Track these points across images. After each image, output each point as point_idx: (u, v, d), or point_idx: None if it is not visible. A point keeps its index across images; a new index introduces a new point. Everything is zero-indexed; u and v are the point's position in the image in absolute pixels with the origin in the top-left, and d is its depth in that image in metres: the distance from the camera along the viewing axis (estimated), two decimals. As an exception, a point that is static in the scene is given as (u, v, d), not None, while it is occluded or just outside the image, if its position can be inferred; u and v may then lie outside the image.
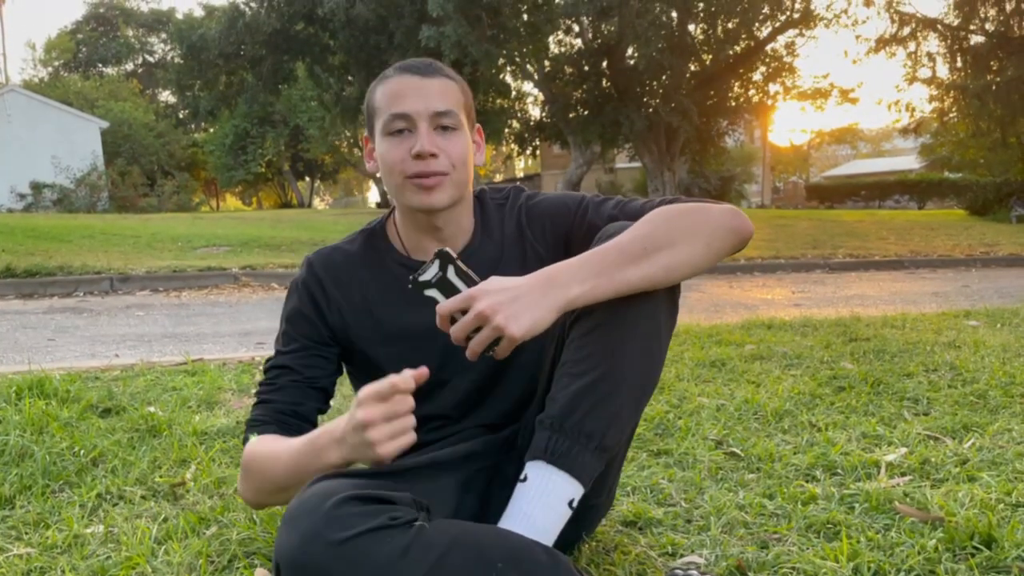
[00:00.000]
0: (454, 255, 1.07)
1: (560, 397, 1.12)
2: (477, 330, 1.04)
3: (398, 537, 0.93)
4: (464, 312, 1.04)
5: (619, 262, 1.11)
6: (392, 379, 1.02)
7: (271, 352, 1.38)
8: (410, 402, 1.03)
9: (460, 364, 1.30)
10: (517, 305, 1.04)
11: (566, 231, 1.32)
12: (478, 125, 1.36)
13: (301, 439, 1.16)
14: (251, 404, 1.40)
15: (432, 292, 1.07)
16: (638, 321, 1.14)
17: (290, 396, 1.30)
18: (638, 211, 1.26)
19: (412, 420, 1.03)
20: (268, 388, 1.32)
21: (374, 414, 1.01)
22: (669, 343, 1.22)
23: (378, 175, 1.32)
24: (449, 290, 1.07)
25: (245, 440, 1.29)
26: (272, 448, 1.22)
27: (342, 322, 1.32)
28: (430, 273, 1.07)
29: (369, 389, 1.02)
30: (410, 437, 1.03)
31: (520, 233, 1.35)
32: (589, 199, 1.35)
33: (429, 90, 1.23)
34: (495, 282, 1.06)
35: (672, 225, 1.16)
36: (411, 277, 1.09)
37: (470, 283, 1.07)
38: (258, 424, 1.29)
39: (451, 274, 1.07)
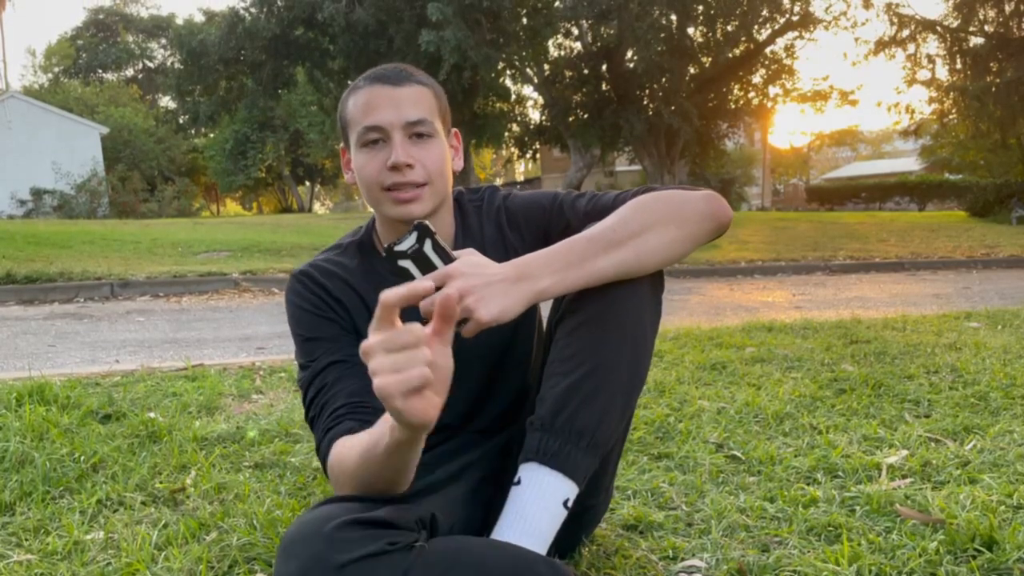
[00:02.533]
0: (433, 229, 1.05)
1: (548, 397, 1.12)
2: None
3: (398, 562, 0.92)
4: (438, 289, 1.03)
5: (589, 251, 1.11)
6: (383, 295, 0.87)
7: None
8: (415, 332, 0.85)
9: (458, 373, 1.30)
10: (489, 290, 1.03)
11: (543, 230, 1.32)
12: (455, 130, 1.34)
13: None
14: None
15: (406, 263, 1.05)
16: (622, 316, 1.14)
17: (351, 383, 1.18)
18: (610, 204, 1.26)
19: (420, 354, 0.85)
20: (320, 392, 1.20)
21: (369, 342, 0.87)
22: (655, 337, 1.21)
23: (355, 185, 1.30)
24: (424, 264, 1.05)
25: (324, 462, 1.15)
26: (347, 447, 1.09)
27: (350, 320, 1.27)
28: (407, 244, 1.04)
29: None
30: (419, 371, 0.84)
31: (500, 234, 1.34)
32: (563, 196, 1.34)
33: (401, 99, 1.21)
34: (470, 263, 1.06)
35: (642, 212, 1.16)
36: (386, 245, 1.05)
37: (446, 260, 1.05)
38: (332, 427, 1.14)
39: (428, 248, 1.05)
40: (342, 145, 1.32)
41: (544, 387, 1.14)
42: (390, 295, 0.87)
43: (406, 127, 1.21)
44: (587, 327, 1.13)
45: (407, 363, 0.85)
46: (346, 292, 1.28)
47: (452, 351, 1.28)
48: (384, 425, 0.97)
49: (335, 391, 1.19)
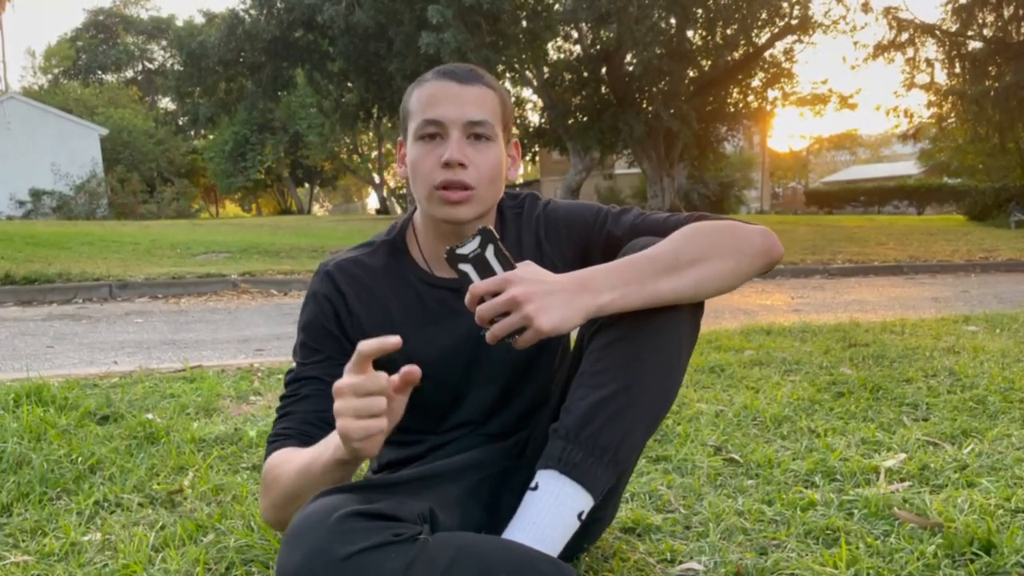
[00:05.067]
0: (496, 235, 1.05)
1: (576, 408, 1.10)
2: (503, 315, 1.03)
3: (401, 553, 0.92)
4: (495, 295, 1.03)
5: (651, 273, 1.10)
6: (361, 345, 0.97)
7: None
8: (380, 381, 0.97)
9: (477, 382, 1.30)
10: (550, 299, 1.03)
11: (584, 242, 1.31)
12: (515, 140, 1.32)
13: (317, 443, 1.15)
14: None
15: (466, 267, 1.05)
16: (660, 336, 1.13)
17: (314, 404, 1.25)
18: (660, 224, 1.25)
19: (381, 402, 0.97)
20: (290, 400, 1.27)
21: (342, 383, 0.98)
22: (689, 360, 1.21)
23: (407, 178, 1.29)
24: (484, 268, 1.05)
25: (266, 457, 1.25)
26: (286, 455, 1.19)
27: (359, 331, 1.27)
28: (469, 248, 1.05)
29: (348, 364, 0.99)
30: (377, 422, 0.97)
31: (538, 244, 1.33)
32: (607, 210, 1.33)
33: (465, 98, 1.20)
34: (531, 271, 1.05)
35: (704, 240, 1.15)
36: (448, 248, 1.06)
37: (507, 266, 1.05)
38: (279, 439, 1.24)
39: (489, 253, 1.05)
40: (400, 138, 1.30)
41: (572, 397, 1.13)
42: (365, 346, 0.96)
43: (466, 126, 1.19)
44: (623, 343, 1.12)
45: (368, 409, 0.96)
46: (364, 299, 1.28)
47: (480, 353, 1.28)
48: (327, 444, 1.08)
49: (300, 407, 1.26)
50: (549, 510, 1.06)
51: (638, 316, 1.12)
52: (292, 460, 1.16)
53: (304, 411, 1.25)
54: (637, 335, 1.12)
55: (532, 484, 1.09)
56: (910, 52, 17.27)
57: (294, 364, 1.31)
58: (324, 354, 1.27)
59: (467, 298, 1.05)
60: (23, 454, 1.91)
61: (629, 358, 1.11)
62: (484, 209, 1.24)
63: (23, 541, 1.49)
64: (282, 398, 1.29)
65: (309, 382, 1.26)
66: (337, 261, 1.32)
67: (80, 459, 1.91)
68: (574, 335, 1.23)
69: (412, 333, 1.26)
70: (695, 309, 1.18)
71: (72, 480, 1.80)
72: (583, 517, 1.08)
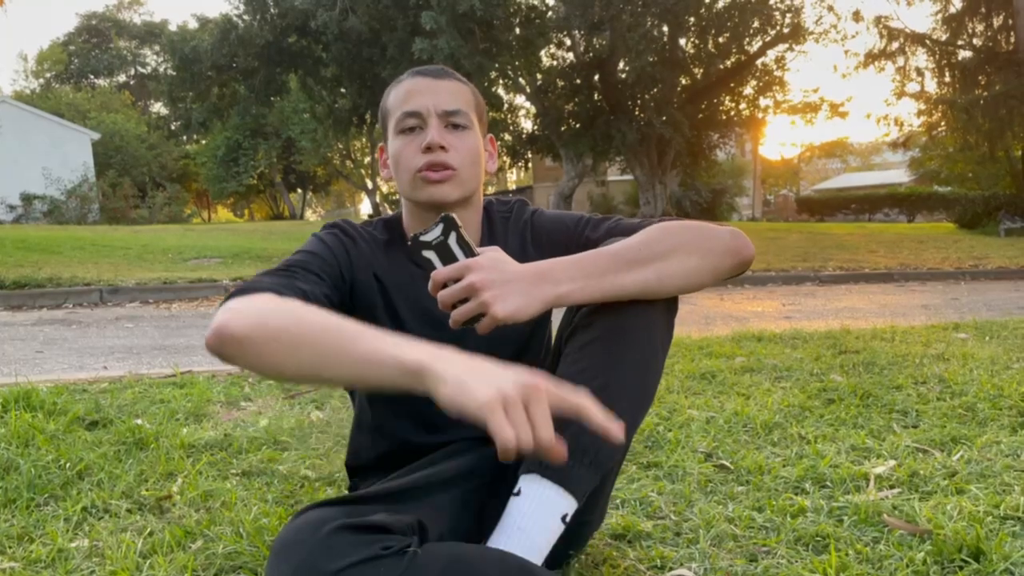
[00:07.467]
0: (459, 223, 1.07)
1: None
2: (465, 300, 1.05)
3: (391, 566, 0.92)
4: (457, 280, 1.05)
5: (612, 265, 1.12)
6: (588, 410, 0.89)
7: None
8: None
9: None
10: (507, 288, 1.04)
11: (564, 248, 1.32)
12: (491, 135, 1.37)
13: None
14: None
15: (430, 254, 1.07)
16: (635, 336, 1.14)
17: (308, 282, 1.16)
18: (634, 228, 1.27)
19: (547, 432, 0.84)
20: (277, 270, 1.16)
21: (538, 386, 0.86)
22: (665, 360, 1.22)
23: (391, 181, 1.33)
24: (446, 255, 1.07)
25: (234, 295, 1.09)
26: (326, 314, 1.00)
27: (352, 280, 1.28)
28: (432, 235, 1.07)
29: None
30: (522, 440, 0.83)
31: (523, 249, 1.35)
32: (588, 217, 1.36)
33: (440, 89, 1.26)
34: (491, 259, 1.07)
35: (670, 237, 1.16)
36: (412, 235, 1.08)
37: (469, 253, 1.07)
38: (290, 290, 1.11)
39: (452, 240, 1.07)
40: (381, 144, 1.35)
41: None
42: (589, 414, 0.88)
43: (443, 115, 1.25)
44: (598, 344, 1.13)
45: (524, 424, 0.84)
46: (367, 253, 1.31)
47: (455, 336, 1.28)
48: (398, 350, 0.90)
49: (294, 279, 1.15)
50: (533, 515, 1.07)
51: (612, 316, 1.13)
52: (340, 322, 0.97)
53: (299, 281, 1.14)
54: (612, 336, 1.13)
55: (515, 489, 1.10)
56: (900, 61, 17.44)
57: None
58: (323, 270, 1.21)
59: (430, 284, 1.06)
60: (10, 459, 1.90)
61: (605, 359, 1.12)
62: (467, 192, 1.27)
63: (9, 547, 1.48)
64: (270, 269, 1.17)
65: (300, 266, 1.19)
66: (342, 219, 1.36)
67: (68, 465, 1.90)
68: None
69: (401, 299, 1.30)
70: (669, 309, 1.20)
71: (60, 486, 1.79)
72: (567, 520, 1.08)
